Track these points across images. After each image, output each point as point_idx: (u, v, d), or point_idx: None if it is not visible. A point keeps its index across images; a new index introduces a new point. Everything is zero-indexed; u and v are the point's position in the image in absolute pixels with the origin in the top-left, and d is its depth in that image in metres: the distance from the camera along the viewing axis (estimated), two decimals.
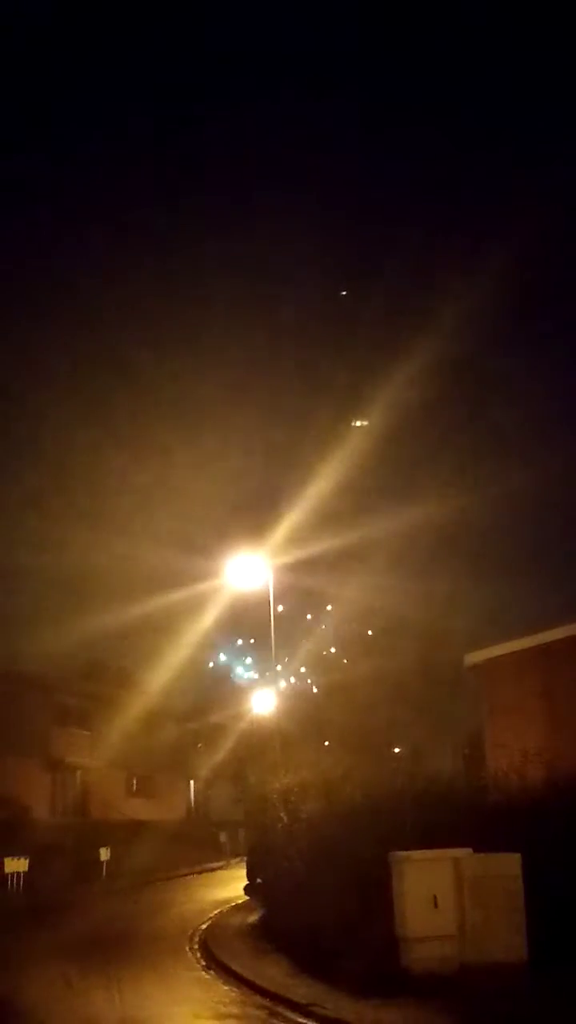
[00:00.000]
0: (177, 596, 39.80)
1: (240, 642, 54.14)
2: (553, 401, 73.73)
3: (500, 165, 58.23)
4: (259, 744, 40.09)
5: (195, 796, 54.42)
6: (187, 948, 16.99)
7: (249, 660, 54.70)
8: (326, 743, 45.39)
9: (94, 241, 62.35)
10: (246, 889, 24.07)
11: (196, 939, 17.93)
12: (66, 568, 48.34)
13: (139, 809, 44.72)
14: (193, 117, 64.28)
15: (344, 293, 45.97)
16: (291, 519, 35.45)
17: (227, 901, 24.07)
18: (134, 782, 48.35)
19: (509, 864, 12.21)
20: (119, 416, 65.04)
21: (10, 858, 28.23)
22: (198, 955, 16.16)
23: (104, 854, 33.61)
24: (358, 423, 42.83)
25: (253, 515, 46.11)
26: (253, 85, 59.94)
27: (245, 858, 26.71)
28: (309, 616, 51.51)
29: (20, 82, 53.01)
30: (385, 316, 54.73)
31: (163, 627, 43.11)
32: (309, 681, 50.95)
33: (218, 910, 22.60)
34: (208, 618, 40.94)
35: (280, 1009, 11.61)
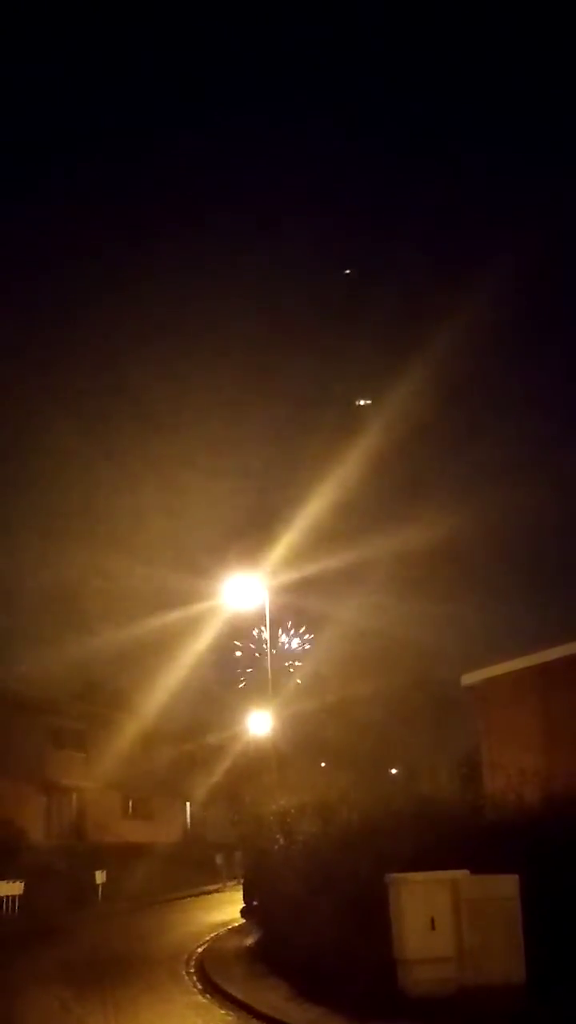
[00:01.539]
0: (173, 616, 39.77)
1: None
2: (551, 422, 73.94)
3: (504, 181, 58.60)
4: (255, 765, 39.96)
5: (191, 818, 54.18)
6: (183, 971, 16.88)
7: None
8: (322, 764, 45.28)
9: (92, 256, 62.60)
10: (242, 912, 23.98)
11: (192, 962, 17.82)
12: (62, 588, 48.28)
13: (135, 831, 44.50)
14: (195, 112, 64.52)
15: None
16: (288, 540, 35.50)
17: (223, 924, 23.94)
18: (130, 804, 48.14)
19: (507, 886, 12.17)
20: (116, 436, 65.16)
21: (5, 881, 28.12)
22: (194, 978, 16.05)
23: (100, 877, 33.45)
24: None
25: (250, 536, 46.19)
26: (257, 83, 60.19)
27: (241, 880, 26.62)
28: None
29: (18, 87, 53.21)
30: (382, 337, 54.98)
31: (159, 648, 43.06)
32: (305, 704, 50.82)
33: (214, 933, 22.48)
34: (205, 639, 40.87)
35: None
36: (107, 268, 65.52)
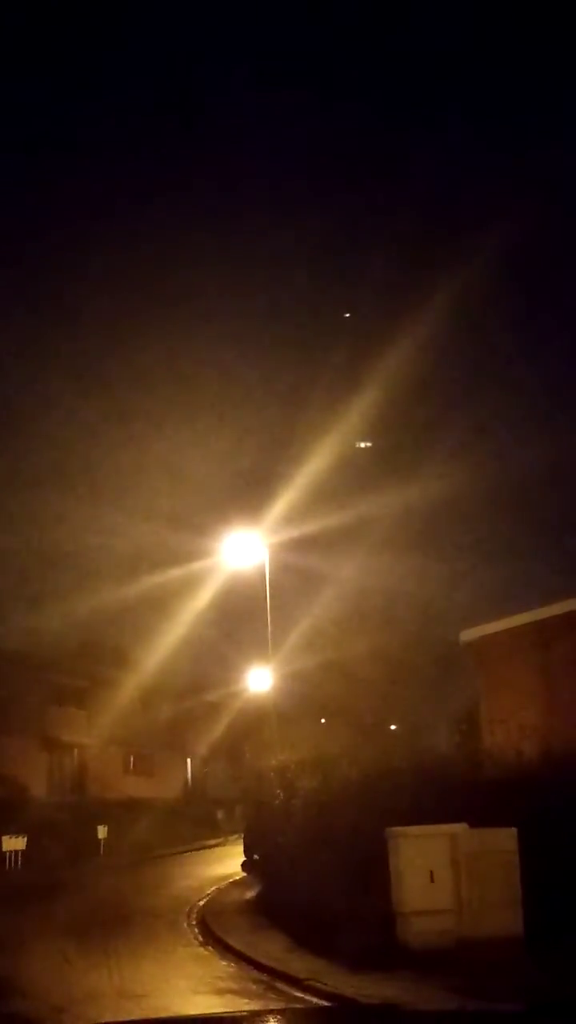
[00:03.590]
0: (172, 574, 39.72)
1: None
2: (551, 380, 73.63)
3: (501, 141, 57.87)
4: (255, 721, 40.19)
5: (192, 774, 54.61)
6: (185, 924, 17.06)
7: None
8: (322, 720, 45.57)
9: (92, 224, 62.04)
10: (243, 866, 24.13)
11: (194, 915, 18.00)
12: (61, 546, 48.35)
13: (136, 787, 44.86)
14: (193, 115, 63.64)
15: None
16: (288, 497, 35.31)
17: (224, 878, 24.15)
18: (131, 760, 48.51)
19: (505, 839, 12.26)
20: (115, 394, 64.96)
21: (8, 836, 28.36)
22: (196, 931, 16.23)
23: (102, 832, 33.73)
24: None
25: (249, 493, 46.12)
26: (252, 84, 59.03)
27: (242, 835, 26.81)
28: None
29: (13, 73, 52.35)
30: (383, 293, 54.57)
31: (158, 605, 43.08)
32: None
33: (216, 886, 22.68)
34: (204, 596, 40.87)
35: (278, 984, 11.67)
36: (108, 228, 64.95)
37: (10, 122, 55.17)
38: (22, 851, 28.36)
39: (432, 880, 12.15)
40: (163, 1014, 10.46)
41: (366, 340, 51.48)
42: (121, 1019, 10.68)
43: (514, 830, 12.25)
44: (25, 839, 28.52)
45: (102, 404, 62.60)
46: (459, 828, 12.44)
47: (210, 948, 14.54)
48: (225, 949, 14.14)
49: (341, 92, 55.32)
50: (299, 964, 12.25)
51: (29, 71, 54.68)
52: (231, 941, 14.44)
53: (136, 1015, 10.11)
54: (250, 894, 19.98)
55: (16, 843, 28.36)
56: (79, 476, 59.94)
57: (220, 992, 11.47)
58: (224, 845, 35.21)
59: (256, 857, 22.55)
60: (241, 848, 25.36)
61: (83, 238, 64.98)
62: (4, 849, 28.17)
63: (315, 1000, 10.70)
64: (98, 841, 33.50)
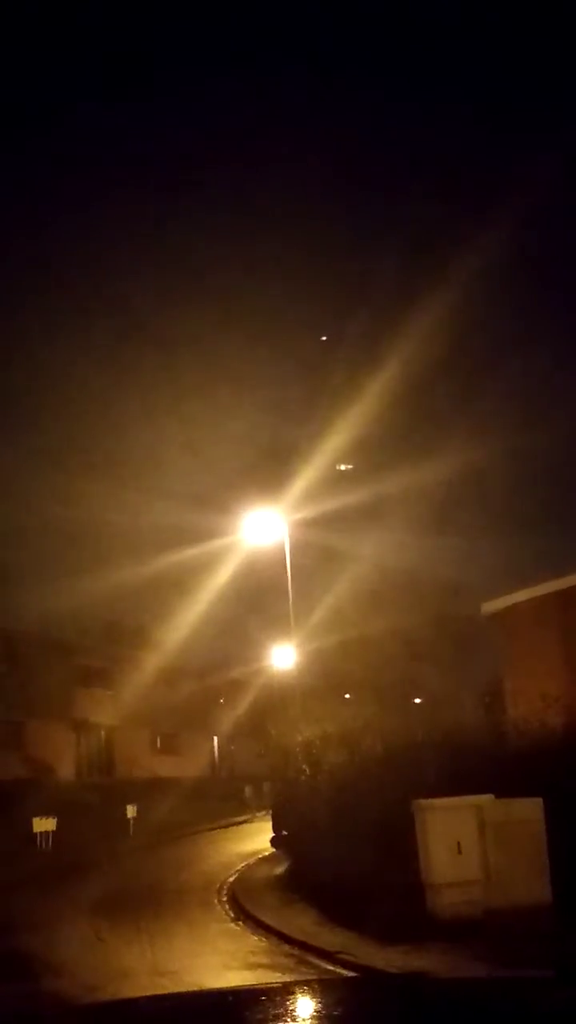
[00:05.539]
0: (193, 552, 39.75)
1: None
2: (570, 356, 73.14)
3: (515, 116, 57.14)
4: (279, 698, 40.30)
5: (218, 751, 54.94)
6: (216, 900, 17.18)
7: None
8: (346, 696, 45.63)
9: (113, 206, 61.93)
10: (272, 841, 24.26)
11: (224, 891, 18.13)
12: (81, 525, 48.36)
13: (163, 766, 45.22)
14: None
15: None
16: (307, 475, 35.25)
17: (253, 854, 24.30)
18: (158, 739, 48.87)
19: (531, 809, 12.29)
20: (134, 372, 64.85)
21: (38, 817, 28.59)
22: (227, 907, 16.35)
23: (131, 811, 33.98)
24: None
25: (269, 471, 46.04)
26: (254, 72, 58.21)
27: (270, 811, 26.94)
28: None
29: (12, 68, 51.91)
30: (401, 269, 54.22)
31: (180, 584, 43.15)
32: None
33: (245, 863, 22.84)
34: (225, 574, 40.89)
35: (309, 957, 11.76)
36: (129, 210, 64.79)
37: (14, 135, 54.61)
38: (52, 832, 28.62)
39: (459, 851, 12.20)
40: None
41: (386, 316, 51.18)
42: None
43: (540, 800, 12.28)
44: (55, 820, 28.77)
45: (122, 382, 62.62)
46: (485, 799, 12.48)
47: (241, 923, 14.65)
48: (256, 924, 14.25)
49: (347, 81, 54.69)
50: (329, 937, 12.35)
51: (28, 69, 54.27)
52: (262, 916, 14.55)
53: (170, 991, 10.20)
54: (279, 869, 20.11)
55: (46, 824, 28.60)
56: (99, 455, 60.07)
57: (252, 967, 11.56)
58: (252, 822, 35.39)
59: (284, 833, 22.67)
60: (269, 825, 25.50)
61: (105, 219, 64.89)
62: (35, 830, 28.41)
63: (346, 972, 10.77)
64: (127, 820, 33.76)
